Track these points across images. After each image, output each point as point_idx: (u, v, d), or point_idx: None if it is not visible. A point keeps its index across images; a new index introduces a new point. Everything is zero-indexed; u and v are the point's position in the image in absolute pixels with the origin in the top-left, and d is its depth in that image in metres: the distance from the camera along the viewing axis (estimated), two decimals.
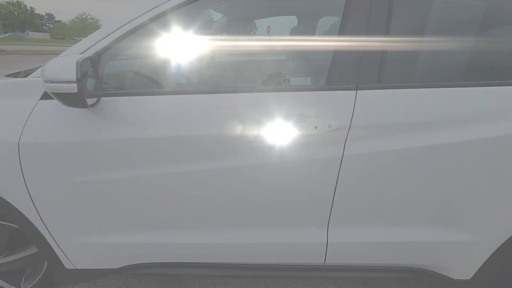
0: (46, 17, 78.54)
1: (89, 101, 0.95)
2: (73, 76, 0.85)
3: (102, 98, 1.03)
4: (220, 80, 2.06)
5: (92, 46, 1.04)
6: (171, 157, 1.05)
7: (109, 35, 1.05)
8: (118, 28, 1.05)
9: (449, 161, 1.01)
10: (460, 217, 1.09)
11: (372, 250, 1.18)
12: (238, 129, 1.02)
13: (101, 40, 1.05)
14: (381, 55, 1.00)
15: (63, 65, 0.88)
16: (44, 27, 74.48)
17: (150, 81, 1.46)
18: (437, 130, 0.99)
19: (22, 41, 30.87)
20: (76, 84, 0.86)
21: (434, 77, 1.09)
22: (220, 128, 1.02)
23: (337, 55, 1.03)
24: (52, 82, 0.87)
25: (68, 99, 0.90)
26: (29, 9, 67.27)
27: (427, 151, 1.00)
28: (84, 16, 62.71)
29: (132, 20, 1.05)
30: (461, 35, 1.06)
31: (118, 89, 1.20)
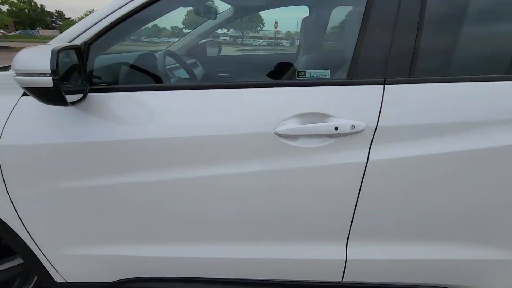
0: (56, 14, 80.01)
1: (73, 97, 0.82)
2: (47, 67, 0.72)
3: (92, 95, 0.90)
4: (227, 75, 1.92)
5: (81, 33, 0.91)
6: (171, 161, 0.92)
7: (100, 20, 0.91)
8: (112, 13, 0.91)
9: (495, 168, 0.86)
10: (503, 233, 0.94)
11: (397, 268, 1.04)
12: (247, 130, 0.88)
13: (91, 27, 0.92)
14: (414, 42, 0.85)
15: (37, 55, 0.74)
16: (54, 25, 76.00)
17: (148, 75, 1.34)
18: (481, 132, 0.83)
19: (32, 38, 31.42)
20: (51, 77, 0.73)
21: (478, 69, 0.92)
22: (227, 128, 0.89)
23: (361, 44, 0.88)
24: (23, 74, 0.74)
25: (43, 95, 0.77)
26: (39, 7, 68.40)
27: (465, 156, 0.85)
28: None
29: (127, 4, 0.91)
30: None
31: (110, 84, 1.06)
